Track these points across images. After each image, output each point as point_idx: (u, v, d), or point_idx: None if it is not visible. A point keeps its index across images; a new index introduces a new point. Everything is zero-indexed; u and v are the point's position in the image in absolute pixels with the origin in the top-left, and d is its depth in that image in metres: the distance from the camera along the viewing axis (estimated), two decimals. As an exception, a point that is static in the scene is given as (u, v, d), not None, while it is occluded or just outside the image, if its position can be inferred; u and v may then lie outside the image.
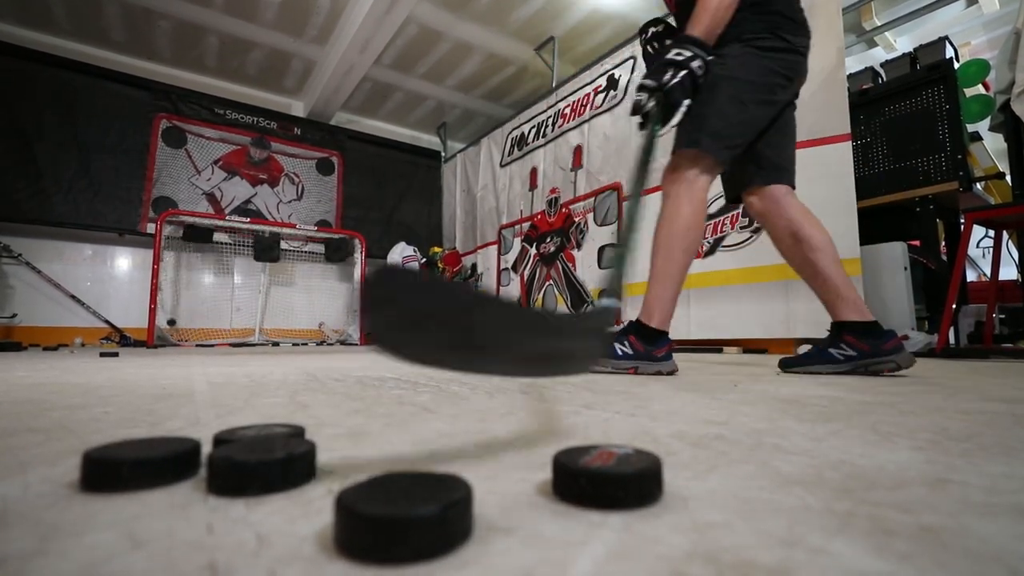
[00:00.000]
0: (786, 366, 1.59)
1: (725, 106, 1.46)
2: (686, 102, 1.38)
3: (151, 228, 5.42)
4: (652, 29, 1.70)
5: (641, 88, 1.40)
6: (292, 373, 1.54)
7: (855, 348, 1.46)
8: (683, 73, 1.36)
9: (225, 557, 0.27)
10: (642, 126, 1.43)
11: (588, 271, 4.67)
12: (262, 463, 0.36)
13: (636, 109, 1.40)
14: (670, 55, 1.39)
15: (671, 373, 1.47)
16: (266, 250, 5.99)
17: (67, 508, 0.35)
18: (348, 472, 0.44)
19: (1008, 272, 3.61)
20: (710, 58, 1.41)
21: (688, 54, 1.37)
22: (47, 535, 0.30)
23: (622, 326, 1.55)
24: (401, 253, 6.50)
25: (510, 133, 5.95)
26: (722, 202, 3.52)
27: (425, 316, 0.38)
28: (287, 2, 5.07)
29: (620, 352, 1.46)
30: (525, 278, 5.49)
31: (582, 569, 0.26)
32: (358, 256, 6.55)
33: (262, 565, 0.26)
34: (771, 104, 1.54)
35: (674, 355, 1.55)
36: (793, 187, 1.63)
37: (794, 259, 1.63)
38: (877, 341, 1.44)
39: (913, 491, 0.38)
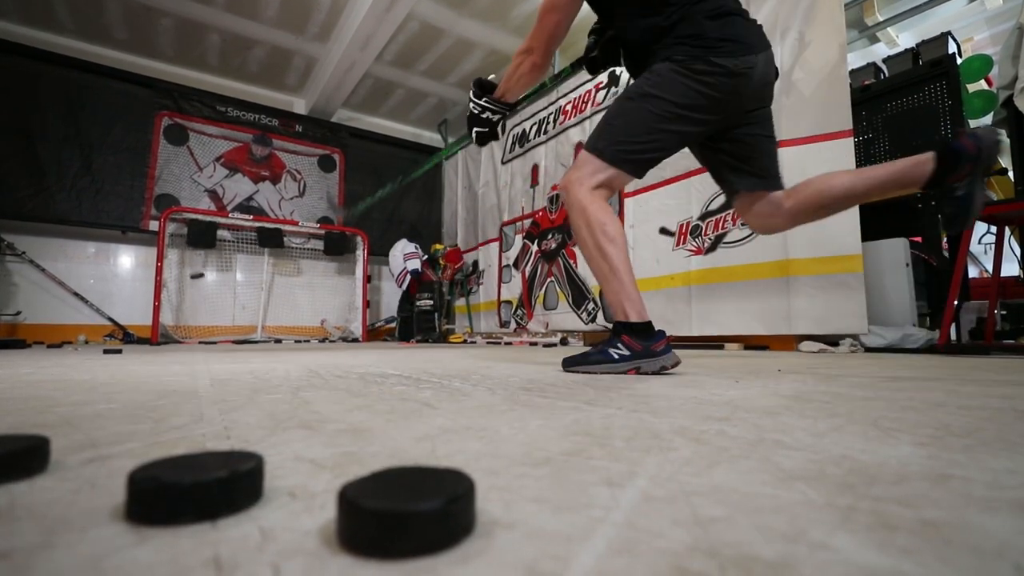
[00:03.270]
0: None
1: (635, 120, 1.52)
2: (476, 129, 1.85)
3: (154, 225, 5.43)
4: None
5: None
6: (295, 370, 1.54)
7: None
8: (470, 113, 1.84)
9: (229, 551, 0.27)
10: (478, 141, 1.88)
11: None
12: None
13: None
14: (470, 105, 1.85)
15: (675, 365, 1.44)
16: (270, 237, 6.02)
17: (72, 503, 0.35)
18: (350, 467, 0.44)
19: (1010, 268, 3.60)
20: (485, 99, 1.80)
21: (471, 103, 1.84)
22: (52, 529, 0.30)
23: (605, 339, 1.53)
24: (403, 250, 6.50)
25: (511, 130, 5.95)
26: (723, 199, 3.53)
27: None
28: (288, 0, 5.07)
29: (617, 356, 1.43)
30: (527, 275, 5.49)
31: (585, 562, 0.26)
32: (360, 253, 6.56)
33: (266, 560, 0.26)
34: (695, 123, 1.53)
35: (674, 351, 1.53)
36: (770, 189, 1.68)
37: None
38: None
39: (915, 486, 0.38)
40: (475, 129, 1.83)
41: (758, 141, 1.64)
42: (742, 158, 1.64)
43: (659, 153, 1.55)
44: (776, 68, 1.62)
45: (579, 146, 4.89)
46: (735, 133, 1.62)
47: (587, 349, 1.55)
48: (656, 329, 1.47)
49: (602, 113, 4.59)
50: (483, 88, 1.81)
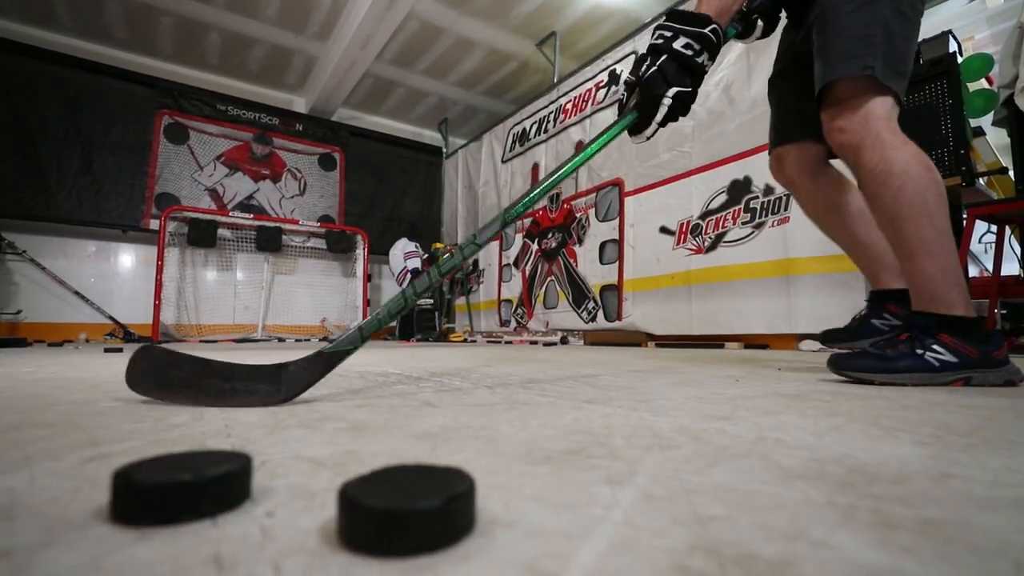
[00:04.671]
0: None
1: (891, 21, 1.18)
2: (672, 91, 1.12)
3: (154, 224, 5.43)
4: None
5: (624, 84, 1.23)
6: (295, 369, 1.54)
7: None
8: (662, 59, 1.13)
9: (229, 550, 0.27)
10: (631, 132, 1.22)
11: (590, 267, 4.67)
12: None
13: (620, 109, 1.21)
14: (652, 39, 1.18)
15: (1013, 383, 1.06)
16: (269, 240, 6.03)
17: (73, 501, 0.35)
18: (350, 466, 0.44)
19: (1010, 267, 3.60)
20: (710, 28, 1.15)
21: (668, 34, 1.15)
22: (53, 527, 0.30)
23: (895, 328, 1.25)
24: (403, 249, 6.50)
25: (511, 129, 5.94)
26: (724, 198, 3.53)
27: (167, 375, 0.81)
28: (288, -2, 5.07)
29: (936, 362, 1.05)
30: (527, 274, 5.49)
31: (585, 560, 0.26)
32: (360, 252, 6.56)
33: (266, 558, 0.26)
34: (918, 28, 1.25)
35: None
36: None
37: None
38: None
39: (915, 485, 0.38)
40: (675, 91, 1.12)
41: None
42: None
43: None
44: None
45: (579, 145, 4.88)
46: None
47: (863, 348, 1.19)
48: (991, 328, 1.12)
49: (603, 112, 4.62)
50: (680, 19, 1.17)
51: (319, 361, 0.88)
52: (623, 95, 1.21)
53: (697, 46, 1.14)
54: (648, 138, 1.18)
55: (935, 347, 1.06)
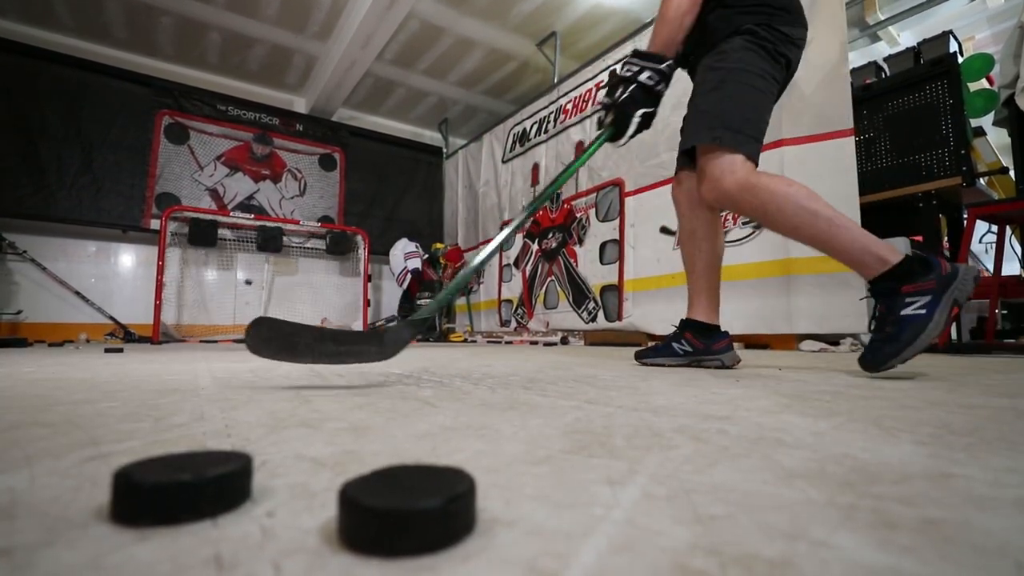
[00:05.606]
0: (640, 358, 1.78)
1: (738, 97, 1.47)
2: (639, 112, 1.47)
3: (155, 224, 5.43)
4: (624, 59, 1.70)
5: (600, 107, 1.55)
6: (296, 369, 1.54)
7: (691, 344, 1.66)
8: (632, 87, 1.46)
9: (230, 549, 0.27)
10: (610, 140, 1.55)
11: (590, 267, 4.67)
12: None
13: (599, 125, 1.54)
14: (621, 71, 1.52)
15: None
16: (270, 240, 6.03)
17: (74, 500, 0.35)
18: (350, 465, 0.44)
19: (1011, 267, 3.60)
20: (665, 64, 1.48)
21: (636, 68, 1.48)
22: (54, 527, 0.30)
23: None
24: (403, 249, 6.50)
25: (512, 129, 5.94)
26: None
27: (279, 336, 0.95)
28: (288, -2, 5.06)
29: (917, 316, 1.21)
30: (527, 274, 5.49)
31: (586, 560, 0.26)
32: (361, 252, 6.56)
33: (266, 558, 0.26)
34: (771, 96, 1.54)
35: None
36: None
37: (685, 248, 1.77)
38: (709, 341, 1.63)
39: (916, 485, 0.38)
40: (642, 111, 1.48)
41: None
42: None
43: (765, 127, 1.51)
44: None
45: (580, 145, 4.89)
46: None
47: (871, 341, 1.31)
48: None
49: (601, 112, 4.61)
50: (643, 57, 1.50)
51: (409, 326, 1.10)
52: (601, 114, 1.54)
53: (657, 77, 1.48)
54: (622, 145, 1.54)
55: (907, 300, 1.23)
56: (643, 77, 1.47)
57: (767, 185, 1.38)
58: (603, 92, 1.54)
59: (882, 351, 1.24)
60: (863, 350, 1.30)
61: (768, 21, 1.49)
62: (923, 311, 1.20)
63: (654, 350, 1.75)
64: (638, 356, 1.79)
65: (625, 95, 1.47)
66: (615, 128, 1.50)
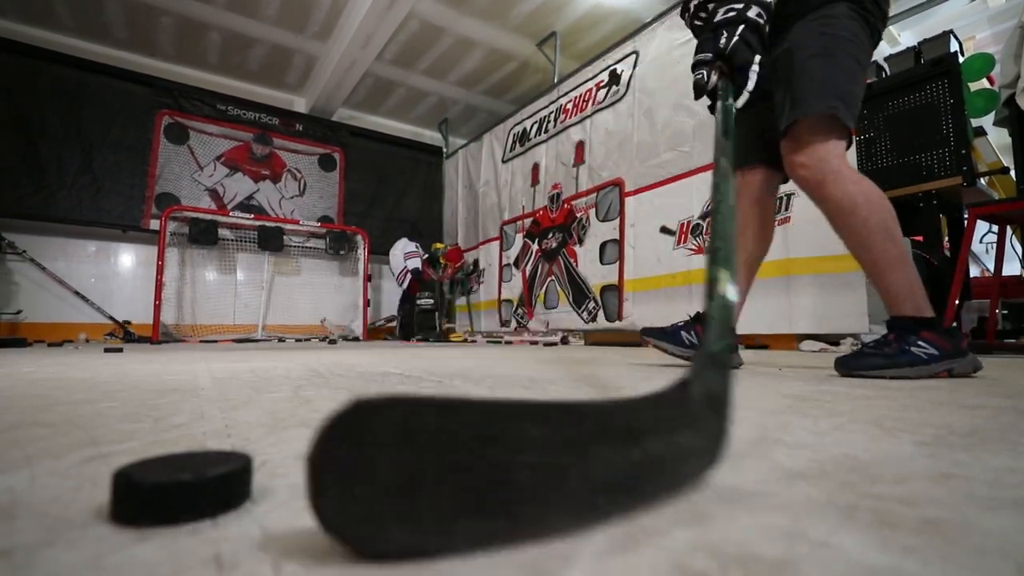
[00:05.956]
0: (646, 334, 1.72)
1: (848, 70, 1.32)
2: (757, 58, 1.19)
3: (154, 224, 5.43)
4: (693, 1, 1.41)
5: (698, 66, 1.23)
6: (295, 368, 1.54)
7: (699, 338, 1.58)
8: (741, 28, 1.18)
9: (230, 549, 0.27)
10: (712, 108, 1.27)
11: (590, 267, 4.67)
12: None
13: (700, 90, 1.24)
14: (719, 15, 1.22)
15: (977, 371, 1.27)
16: (270, 239, 6.03)
17: (74, 500, 0.35)
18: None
19: (1011, 267, 3.60)
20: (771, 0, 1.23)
21: (740, 5, 1.20)
22: (54, 527, 0.30)
23: (879, 334, 1.37)
24: (403, 249, 6.50)
25: (512, 129, 5.94)
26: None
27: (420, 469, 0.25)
28: (288, -2, 5.07)
29: (924, 356, 1.22)
30: (527, 274, 5.49)
31: (586, 560, 0.26)
32: (361, 252, 6.56)
33: (267, 558, 0.26)
34: (866, 74, 1.40)
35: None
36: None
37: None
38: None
39: (916, 485, 0.38)
40: (759, 57, 1.21)
41: None
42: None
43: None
44: None
45: (580, 145, 4.88)
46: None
47: (858, 349, 1.36)
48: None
49: (603, 113, 4.62)
50: None
51: (714, 363, 0.44)
52: (702, 74, 1.23)
53: (766, 15, 1.21)
54: (741, 107, 1.16)
55: (920, 343, 1.24)
56: (751, 13, 1.19)
57: (868, 190, 1.29)
58: (698, 48, 1.25)
59: (870, 360, 1.26)
60: (846, 355, 1.31)
61: None
62: (927, 355, 1.23)
63: (661, 330, 1.67)
64: (644, 332, 1.73)
65: (734, 40, 1.19)
66: (733, 84, 1.20)
